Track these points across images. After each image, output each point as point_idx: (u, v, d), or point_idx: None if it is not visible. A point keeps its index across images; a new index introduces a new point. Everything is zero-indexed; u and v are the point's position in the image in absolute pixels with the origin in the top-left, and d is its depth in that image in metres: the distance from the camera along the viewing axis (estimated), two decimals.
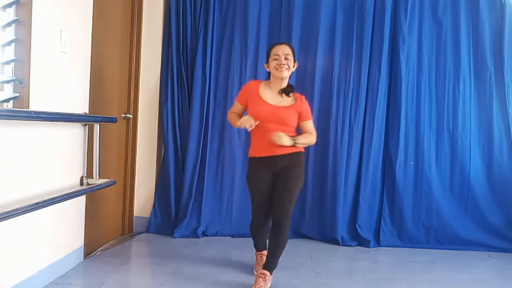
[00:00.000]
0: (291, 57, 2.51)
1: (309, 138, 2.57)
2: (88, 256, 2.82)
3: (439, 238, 3.42)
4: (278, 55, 2.49)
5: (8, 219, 1.78)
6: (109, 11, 3.06)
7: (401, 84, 3.43)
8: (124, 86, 3.40)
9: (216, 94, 3.56)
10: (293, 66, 2.55)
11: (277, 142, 2.38)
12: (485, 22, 3.43)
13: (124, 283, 2.52)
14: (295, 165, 2.51)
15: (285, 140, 2.39)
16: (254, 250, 2.79)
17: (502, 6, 3.43)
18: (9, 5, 2.04)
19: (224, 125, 3.56)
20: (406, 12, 3.44)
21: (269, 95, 2.53)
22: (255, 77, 3.53)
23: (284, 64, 2.47)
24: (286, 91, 2.54)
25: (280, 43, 2.62)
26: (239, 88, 3.53)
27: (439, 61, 3.47)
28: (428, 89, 3.46)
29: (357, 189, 3.47)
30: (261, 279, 2.42)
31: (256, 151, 2.56)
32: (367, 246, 3.38)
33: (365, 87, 3.48)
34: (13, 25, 2.07)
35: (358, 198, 3.44)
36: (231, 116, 2.68)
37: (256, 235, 2.69)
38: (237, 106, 2.66)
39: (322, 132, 3.49)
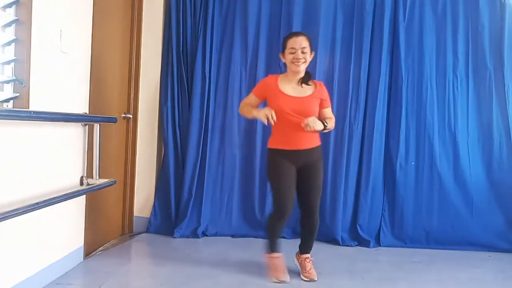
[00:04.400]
0: (307, 50, 2.51)
1: (331, 123, 2.61)
2: (88, 256, 2.82)
3: (439, 238, 3.41)
4: (294, 48, 2.48)
5: (8, 219, 1.78)
6: (109, 11, 3.06)
7: (401, 83, 3.43)
8: (124, 86, 3.40)
9: (216, 94, 3.56)
10: (310, 57, 2.55)
11: (310, 127, 2.38)
12: (485, 22, 3.42)
13: (124, 283, 2.53)
14: (318, 160, 2.59)
15: (318, 125, 2.44)
16: (266, 254, 2.66)
17: (502, 6, 3.42)
18: (9, 5, 2.04)
19: (224, 125, 3.56)
20: (405, 11, 3.43)
21: (289, 87, 2.54)
22: (255, 76, 3.53)
23: (301, 59, 2.48)
24: (305, 79, 2.56)
25: (297, 34, 2.59)
26: (239, 88, 3.55)
27: (439, 61, 3.46)
28: (428, 88, 3.44)
29: (358, 189, 3.47)
30: (306, 262, 2.63)
31: (278, 143, 2.55)
32: (367, 246, 3.37)
33: (365, 86, 3.48)
34: (13, 25, 2.07)
35: (359, 198, 3.44)
36: (245, 108, 2.64)
37: (273, 230, 2.62)
38: (251, 98, 2.65)
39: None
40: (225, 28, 3.57)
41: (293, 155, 2.51)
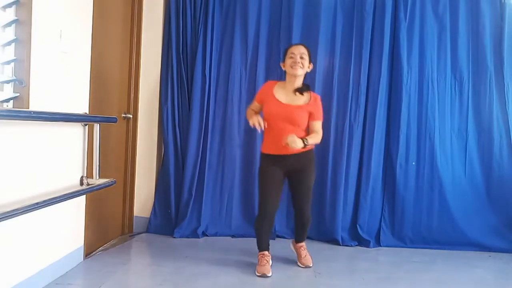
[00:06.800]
0: (306, 57, 2.64)
1: (316, 138, 2.67)
2: (88, 256, 2.82)
3: (439, 238, 3.41)
4: (294, 53, 2.63)
5: (8, 219, 1.78)
6: (109, 11, 3.06)
7: (402, 83, 3.43)
8: (124, 86, 3.40)
9: (216, 94, 3.56)
10: (308, 67, 2.68)
11: (291, 146, 2.46)
12: (485, 22, 3.43)
13: (124, 283, 2.53)
14: (307, 164, 2.69)
15: (298, 143, 2.47)
16: (257, 251, 2.75)
17: (502, 6, 3.43)
18: (9, 5, 2.04)
19: (224, 125, 3.56)
20: (406, 11, 3.43)
21: (283, 94, 2.66)
22: (255, 76, 3.53)
23: (298, 63, 2.60)
24: (301, 89, 2.66)
25: (297, 44, 2.81)
26: (239, 88, 3.56)
27: (439, 61, 3.46)
28: (429, 88, 3.45)
29: (358, 189, 3.47)
30: (301, 250, 2.81)
31: (267, 148, 2.71)
32: (367, 246, 3.37)
33: (365, 86, 3.48)
34: (13, 25, 2.07)
35: (359, 198, 3.44)
36: (248, 112, 2.85)
37: (261, 230, 2.71)
38: (254, 104, 2.82)
39: (322, 132, 3.49)
40: (225, 28, 3.57)
41: (281, 159, 2.64)
